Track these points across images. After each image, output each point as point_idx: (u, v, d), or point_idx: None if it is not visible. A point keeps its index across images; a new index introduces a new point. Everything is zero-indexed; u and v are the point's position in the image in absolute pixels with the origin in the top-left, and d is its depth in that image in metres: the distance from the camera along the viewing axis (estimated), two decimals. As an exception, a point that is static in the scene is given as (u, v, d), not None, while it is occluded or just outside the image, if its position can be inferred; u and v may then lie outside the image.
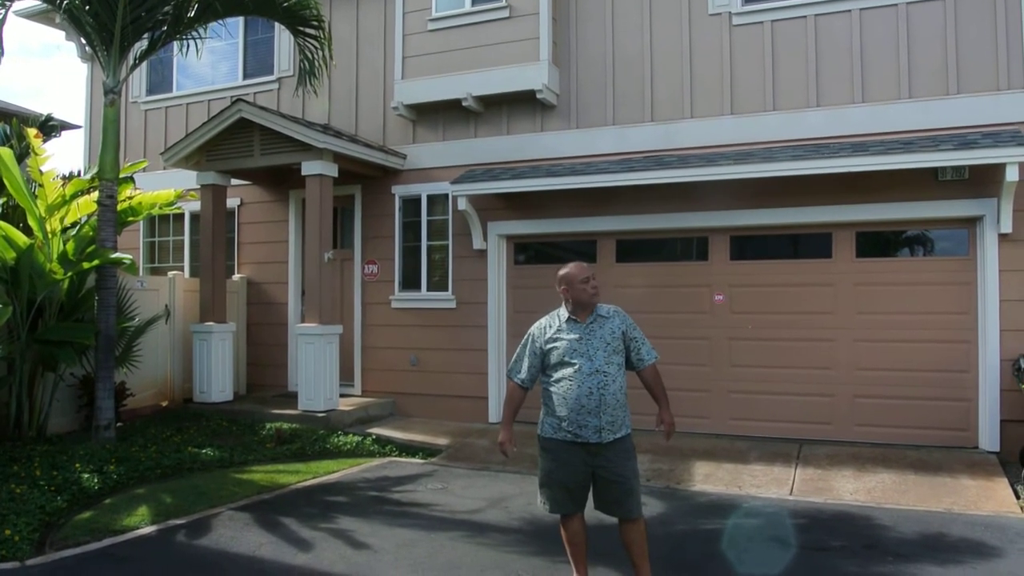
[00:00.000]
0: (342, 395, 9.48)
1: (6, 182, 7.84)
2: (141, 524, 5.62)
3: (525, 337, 4.25)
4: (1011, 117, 7.38)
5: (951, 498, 6.07)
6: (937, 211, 7.57)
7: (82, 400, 8.50)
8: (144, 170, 10.02)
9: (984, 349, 7.41)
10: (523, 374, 4.19)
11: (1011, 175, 6.88)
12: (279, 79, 10.82)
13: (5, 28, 7.47)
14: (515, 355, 4.28)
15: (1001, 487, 6.28)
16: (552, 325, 4.16)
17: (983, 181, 7.33)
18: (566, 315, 4.14)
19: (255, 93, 10.83)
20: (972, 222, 7.57)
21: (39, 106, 47.00)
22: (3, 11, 7.52)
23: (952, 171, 7.42)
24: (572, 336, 4.06)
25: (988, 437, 7.32)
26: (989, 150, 6.94)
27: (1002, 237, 7.32)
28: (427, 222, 9.86)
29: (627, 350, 4.15)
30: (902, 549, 5.00)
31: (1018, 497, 6.07)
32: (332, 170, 9.16)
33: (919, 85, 7.75)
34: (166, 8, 7.97)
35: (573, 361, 4.00)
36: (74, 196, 8.22)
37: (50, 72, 51.45)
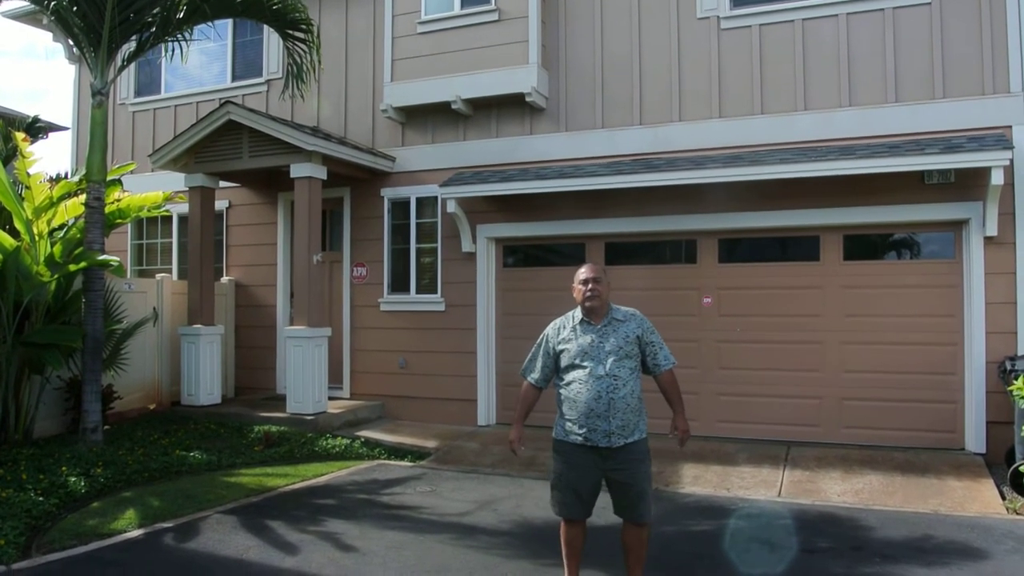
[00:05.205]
0: (331, 398, 9.46)
1: (-7, 184, 7.79)
2: (128, 527, 5.59)
3: (540, 336, 4.21)
4: (996, 121, 7.44)
5: (938, 499, 6.11)
6: (923, 214, 7.62)
7: (69, 403, 8.44)
8: (132, 172, 9.97)
9: (970, 351, 7.46)
10: (536, 374, 4.16)
11: (996, 179, 6.95)
12: (268, 81, 10.80)
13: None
14: (529, 354, 4.24)
15: (987, 488, 6.33)
16: (566, 326, 4.11)
17: (969, 185, 7.39)
18: (580, 316, 4.09)
19: (244, 95, 10.80)
20: (958, 225, 7.63)
21: (42, 108, 46.96)
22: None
23: (938, 175, 7.47)
24: (584, 339, 4.00)
25: (974, 439, 7.38)
26: (974, 154, 6.99)
27: (987, 240, 7.37)
28: (416, 225, 9.86)
29: (643, 355, 4.07)
30: (889, 550, 5.03)
31: (1004, 498, 6.12)
32: (321, 172, 9.14)
33: (906, 89, 7.80)
34: (155, 10, 7.93)
35: (584, 364, 3.95)
36: (61, 198, 8.17)
37: (54, 75, 51.39)
